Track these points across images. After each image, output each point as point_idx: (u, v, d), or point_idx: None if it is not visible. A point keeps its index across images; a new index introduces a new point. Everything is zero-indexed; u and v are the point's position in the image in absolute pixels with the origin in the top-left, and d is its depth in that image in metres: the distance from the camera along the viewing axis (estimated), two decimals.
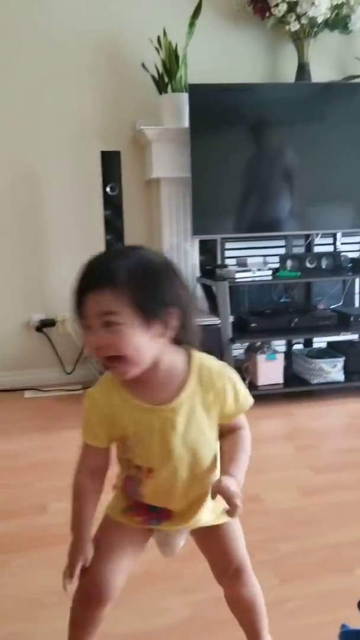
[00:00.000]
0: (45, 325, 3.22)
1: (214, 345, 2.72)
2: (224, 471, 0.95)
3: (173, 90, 3.00)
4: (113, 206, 2.87)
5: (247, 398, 1.00)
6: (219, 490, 0.89)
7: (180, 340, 0.95)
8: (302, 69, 3.20)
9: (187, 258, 3.13)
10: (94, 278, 0.88)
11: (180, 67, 2.98)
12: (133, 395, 0.95)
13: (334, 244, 3.37)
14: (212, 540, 1.05)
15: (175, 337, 0.93)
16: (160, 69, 2.99)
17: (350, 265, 3.13)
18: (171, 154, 2.98)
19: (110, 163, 2.86)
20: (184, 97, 2.92)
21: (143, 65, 3.03)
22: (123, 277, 0.87)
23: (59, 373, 3.26)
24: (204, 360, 0.97)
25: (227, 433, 1.00)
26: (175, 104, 2.99)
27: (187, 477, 0.97)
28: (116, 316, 0.86)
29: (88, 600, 1.00)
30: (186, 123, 2.91)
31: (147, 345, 0.89)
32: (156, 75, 3.01)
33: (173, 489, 0.98)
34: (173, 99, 3.00)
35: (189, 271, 3.11)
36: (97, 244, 2.87)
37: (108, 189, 2.86)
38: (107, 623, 1.05)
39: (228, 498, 0.88)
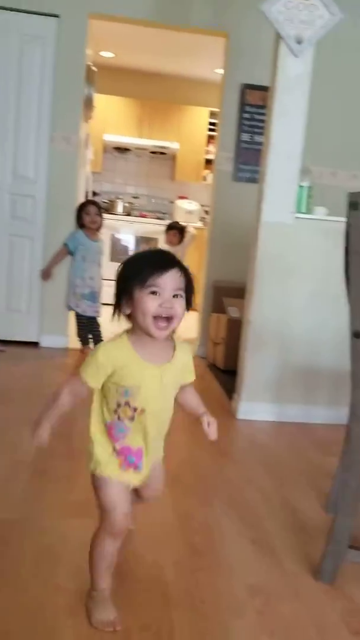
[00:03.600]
0: None
1: None
2: (200, 410, 1.44)
3: None
4: None
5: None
6: (210, 419, 1.40)
7: None
8: None
9: None
10: (172, 263, 1.26)
11: None
12: (139, 355, 1.31)
13: None
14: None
15: None
16: None
17: None
18: None
19: None
20: None
21: None
22: (185, 270, 1.29)
23: None
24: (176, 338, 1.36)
25: (185, 388, 1.44)
26: None
27: (163, 419, 1.38)
28: (181, 292, 1.27)
29: (115, 533, 1.35)
30: None
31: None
32: None
33: (152, 427, 1.35)
34: None
35: None
36: None
37: None
38: None
39: (212, 423, 1.39)
